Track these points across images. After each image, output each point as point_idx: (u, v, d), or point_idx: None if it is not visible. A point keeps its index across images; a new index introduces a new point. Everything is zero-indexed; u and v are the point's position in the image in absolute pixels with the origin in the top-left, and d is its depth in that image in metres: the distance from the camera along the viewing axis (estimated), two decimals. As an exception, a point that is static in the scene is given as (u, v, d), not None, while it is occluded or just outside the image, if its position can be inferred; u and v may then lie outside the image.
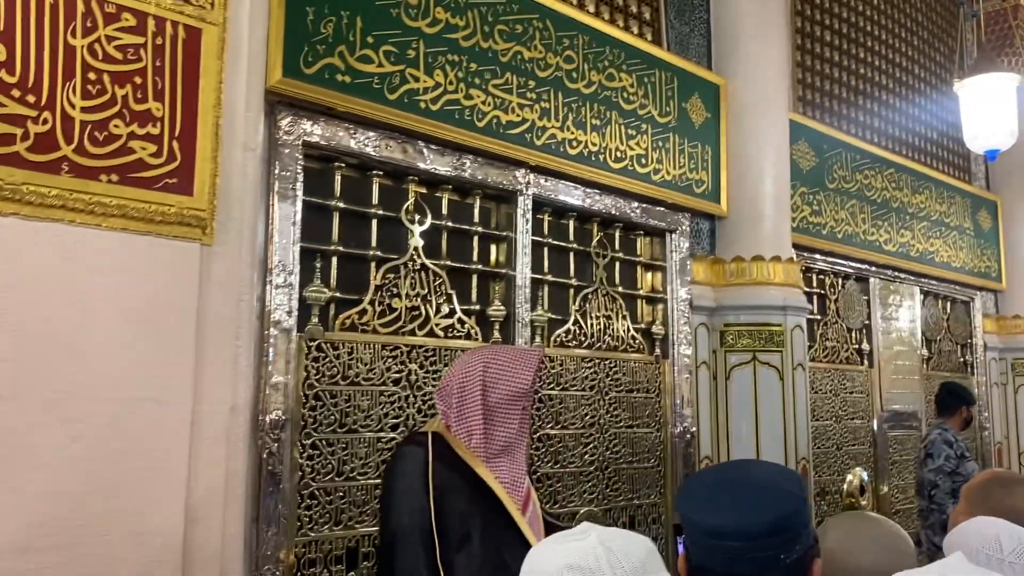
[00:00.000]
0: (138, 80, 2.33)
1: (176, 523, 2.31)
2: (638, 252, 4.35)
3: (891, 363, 6.00)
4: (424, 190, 3.46)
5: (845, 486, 5.47)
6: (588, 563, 1.16)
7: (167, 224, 2.35)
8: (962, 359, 6.94)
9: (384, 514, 2.29)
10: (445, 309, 3.40)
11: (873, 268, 5.86)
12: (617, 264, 4.21)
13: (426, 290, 3.35)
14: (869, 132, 6.03)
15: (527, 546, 2.07)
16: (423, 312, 3.33)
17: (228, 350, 2.48)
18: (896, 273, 6.10)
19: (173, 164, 2.38)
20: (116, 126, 2.28)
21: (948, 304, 6.84)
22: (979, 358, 7.02)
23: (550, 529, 2.44)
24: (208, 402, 2.41)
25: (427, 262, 3.37)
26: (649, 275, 4.43)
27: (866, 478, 5.59)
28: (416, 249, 3.34)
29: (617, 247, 4.22)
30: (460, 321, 3.45)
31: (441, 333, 3.37)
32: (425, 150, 3.32)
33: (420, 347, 3.29)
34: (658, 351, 4.32)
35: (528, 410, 2.46)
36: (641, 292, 4.34)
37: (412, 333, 3.28)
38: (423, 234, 3.38)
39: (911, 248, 6.17)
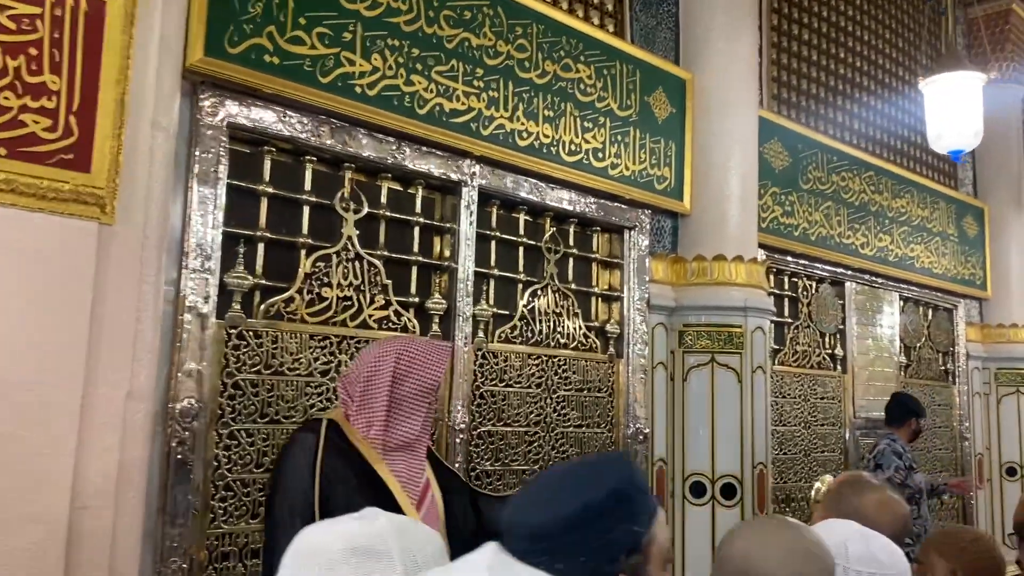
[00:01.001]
0: (33, 52, 2.25)
1: (61, 510, 2.23)
2: (594, 249, 4.26)
3: (866, 369, 5.88)
4: (363, 178, 3.38)
5: (812, 493, 5.38)
6: (375, 546, 1.05)
7: (61, 201, 2.28)
8: (943, 367, 6.81)
9: (268, 501, 2.21)
10: (380, 300, 3.32)
11: (849, 272, 5.75)
12: (571, 260, 4.11)
13: (360, 280, 3.27)
14: (848, 133, 5.92)
15: None
16: (356, 303, 3.25)
17: (126, 334, 2.40)
18: (874, 278, 5.98)
19: (70, 139, 2.30)
20: (6, 98, 2.20)
21: (930, 311, 6.71)
22: (961, 367, 6.89)
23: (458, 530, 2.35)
24: (103, 386, 2.34)
25: (362, 251, 3.28)
26: (607, 273, 4.33)
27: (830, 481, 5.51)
28: (350, 238, 3.26)
29: (571, 243, 4.12)
30: (396, 313, 3.36)
31: (375, 325, 3.29)
32: (361, 136, 3.23)
33: (351, 338, 3.20)
34: (612, 350, 4.22)
35: (434, 406, 2.37)
36: (596, 290, 4.24)
37: (344, 324, 3.20)
38: (359, 223, 3.30)
39: (890, 253, 6.05)
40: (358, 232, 3.28)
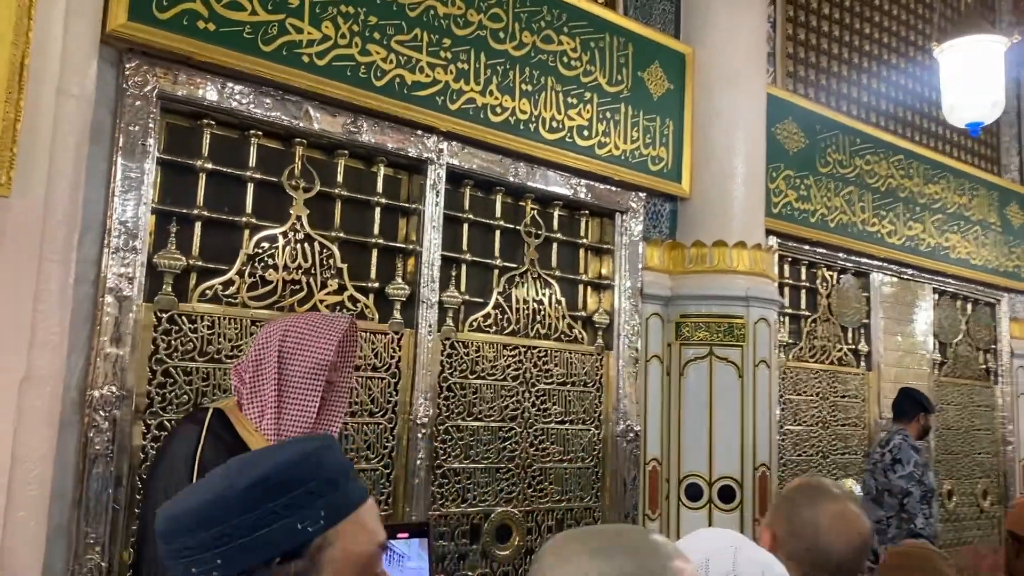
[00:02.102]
0: (-85, 9, 2.10)
1: (-58, 502, 2.07)
2: (581, 233, 3.99)
3: (894, 367, 5.49)
4: (319, 155, 3.18)
5: (831, 498, 5.02)
6: None
7: (-54, 171, 2.11)
8: (984, 366, 6.35)
9: (142, 497, 2.02)
10: (334, 285, 3.11)
11: (875, 262, 5.37)
12: (555, 245, 3.86)
13: (310, 263, 3.07)
14: (873, 114, 5.53)
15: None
16: (305, 287, 3.05)
17: (22, 314, 2.23)
18: (903, 269, 5.58)
19: (-44, 104, 2.13)
20: None
21: (968, 305, 6.26)
22: (1004, 365, 6.42)
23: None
24: (-5, 371, 2.17)
25: (312, 233, 3.08)
26: (597, 259, 4.06)
27: (858, 490, 5.15)
28: (300, 218, 3.06)
29: (556, 227, 3.87)
30: (352, 299, 3.16)
31: (326, 311, 3.08)
32: (311, 109, 3.03)
33: (300, 325, 3.00)
34: (600, 341, 3.95)
35: (343, 388, 2.14)
36: (584, 277, 3.98)
37: (291, 309, 3.00)
38: (312, 202, 3.10)
39: (921, 242, 5.65)
40: (309, 212, 3.08)
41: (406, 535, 1.46)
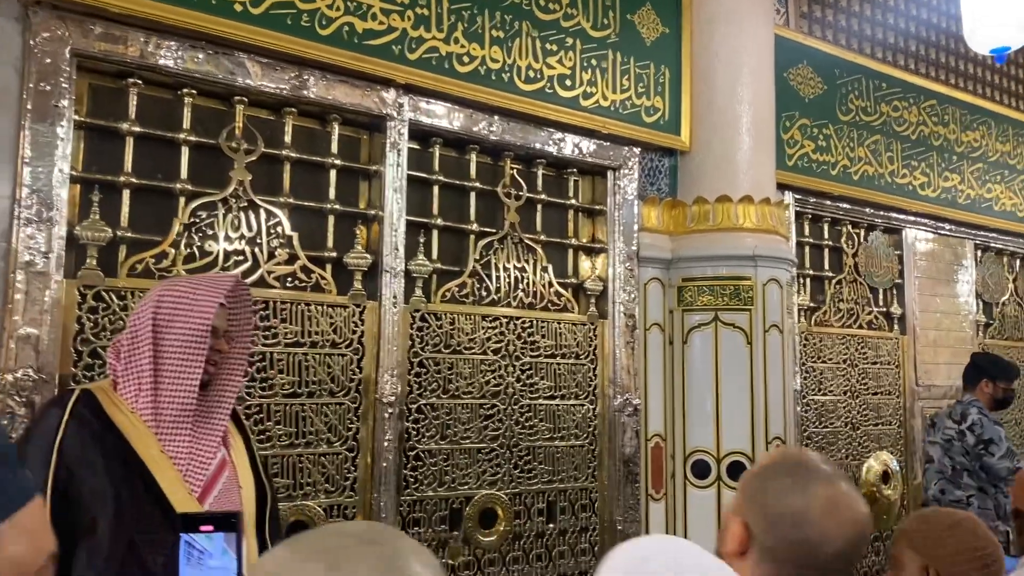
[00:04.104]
0: None
1: None
2: (570, 194, 3.69)
3: (932, 330, 5.07)
4: (264, 114, 2.93)
5: (864, 473, 4.67)
6: None
7: None
8: (1035, 327, 5.88)
9: None
10: (283, 254, 2.87)
11: (907, 217, 4.95)
12: (539, 207, 3.56)
13: (255, 232, 2.83)
14: (900, 55, 5.08)
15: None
16: (250, 257, 2.81)
17: (-97, 292, 2.03)
18: (940, 224, 5.14)
19: None
20: None
21: (1016, 261, 5.78)
22: (1058, 326, 5.93)
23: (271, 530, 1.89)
24: None
25: (257, 199, 2.84)
26: (589, 221, 3.76)
27: (894, 465, 4.78)
28: (242, 183, 2.82)
29: (540, 188, 3.57)
30: (305, 269, 2.91)
31: (276, 283, 2.85)
32: (249, 64, 2.78)
33: (246, 298, 2.77)
34: (593, 310, 3.65)
35: (238, 359, 1.89)
36: (574, 242, 3.67)
37: (235, 282, 2.76)
38: (256, 166, 2.86)
39: (959, 194, 5.20)
40: (252, 176, 2.84)
41: (210, 528, 1.22)
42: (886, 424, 4.78)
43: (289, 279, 2.88)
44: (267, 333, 2.80)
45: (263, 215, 2.85)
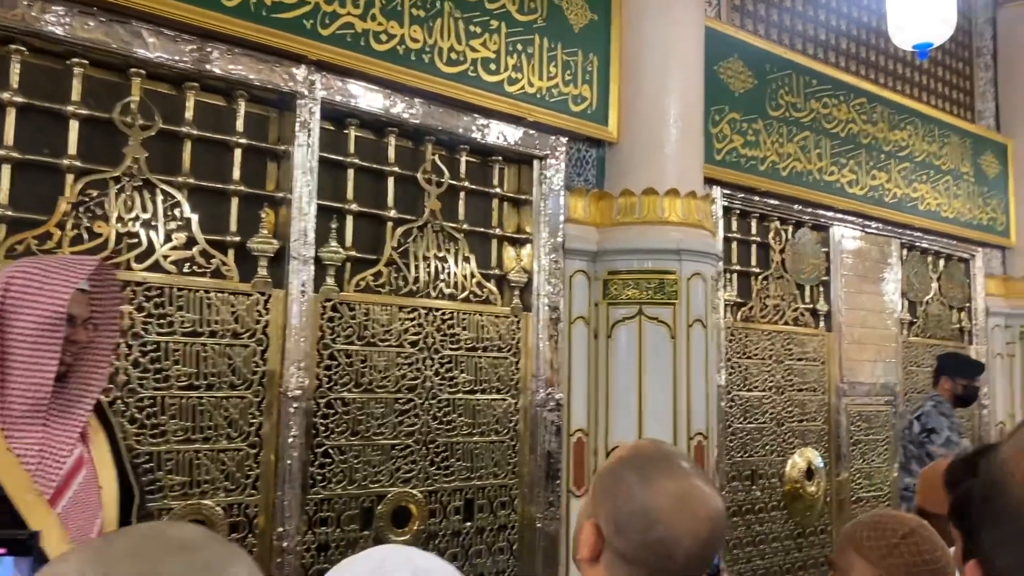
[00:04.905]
0: None
1: None
2: (495, 182, 3.58)
3: (857, 327, 5.10)
4: (165, 88, 2.76)
5: (788, 469, 4.67)
6: None
7: None
8: (957, 325, 5.97)
9: None
10: (181, 238, 2.70)
11: (834, 215, 4.96)
12: (462, 195, 3.45)
13: (150, 213, 2.65)
14: (832, 53, 5.10)
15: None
16: (144, 240, 2.63)
17: None
18: (866, 222, 5.18)
19: None
20: None
21: (940, 261, 5.86)
22: (979, 324, 6.04)
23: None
24: None
25: (153, 178, 2.66)
26: (514, 211, 3.65)
27: (818, 462, 4.79)
28: (137, 161, 2.64)
29: (463, 175, 3.45)
30: (205, 254, 2.74)
31: (172, 268, 2.68)
32: (146, 34, 2.60)
33: (139, 283, 2.59)
34: (517, 302, 3.55)
35: (102, 349, 1.73)
36: (498, 231, 3.57)
37: (128, 267, 2.59)
38: (153, 143, 2.68)
39: (886, 193, 5.24)
40: (148, 154, 2.66)
41: (3, 551, 1.08)
42: (811, 420, 4.79)
43: (187, 264, 2.71)
44: (162, 322, 2.63)
45: (160, 196, 2.67)
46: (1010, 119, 6.32)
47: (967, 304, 6.03)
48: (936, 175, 5.64)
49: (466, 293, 3.40)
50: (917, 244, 5.61)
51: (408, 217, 3.26)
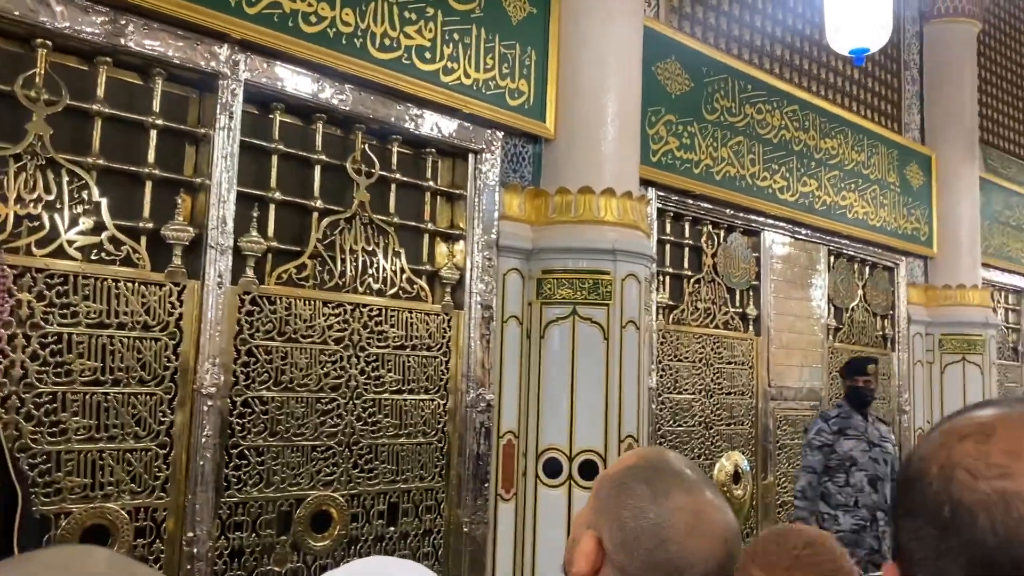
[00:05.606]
0: None
1: None
2: (428, 175, 3.47)
3: (785, 332, 5.15)
4: (74, 62, 2.58)
5: (715, 472, 4.67)
6: None
7: None
8: (881, 332, 6.09)
9: None
10: (88, 222, 2.52)
11: (765, 220, 4.99)
12: (393, 187, 3.33)
13: (54, 195, 2.47)
14: (767, 59, 5.14)
15: None
16: (47, 224, 2.45)
17: None
18: (796, 228, 5.23)
19: None
20: None
21: (866, 268, 5.97)
22: (902, 332, 6.17)
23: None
24: None
25: (58, 157, 2.48)
26: (448, 206, 3.55)
27: (744, 464, 4.81)
28: (41, 139, 2.45)
29: (395, 166, 3.34)
30: (115, 240, 2.57)
31: (77, 254, 2.50)
32: (53, 2, 2.42)
33: (41, 269, 2.41)
34: (448, 299, 3.45)
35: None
36: (430, 226, 3.46)
37: (28, 252, 2.40)
38: (58, 120, 2.49)
39: (816, 200, 5.31)
40: (53, 131, 2.48)
41: None
42: (739, 424, 4.81)
43: (94, 251, 2.53)
44: (65, 312, 2.45)
45: (66, 177, 2.49)
46: (934, 131, 6.48)
47: (891, 312, 6.16)
48: (864, 184, 5.74)
49: (395, 289, 3.28)
50: (844, 251, 5.70)
51: (335, 208, 3.13)
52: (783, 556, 1.55)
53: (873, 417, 4.42)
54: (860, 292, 5.91)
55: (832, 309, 5.61)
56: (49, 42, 2.47)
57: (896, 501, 0.65)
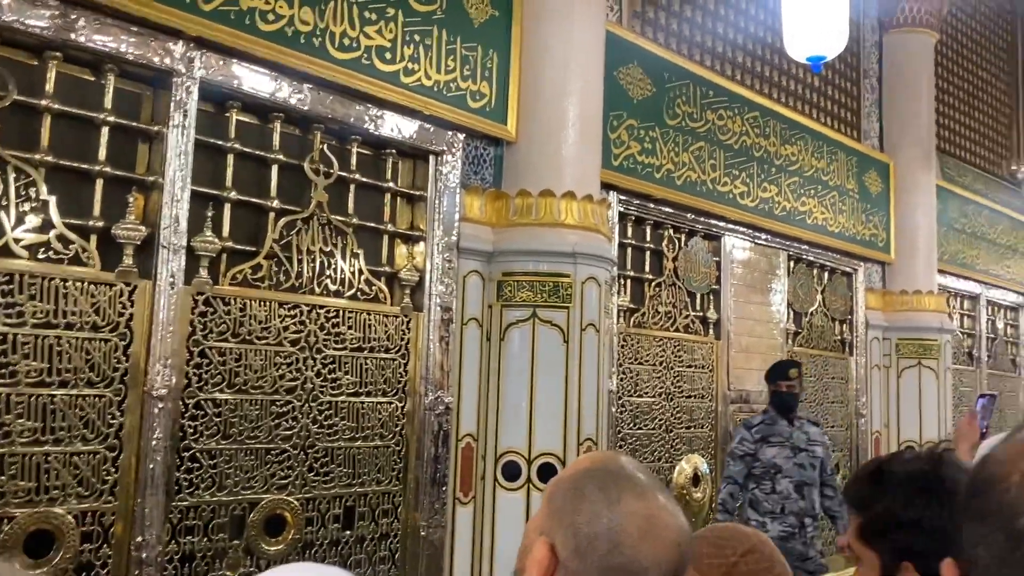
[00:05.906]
0: None
1: None
2: (388, 176, 3.45)
3: (744, 336, 5.20)
4: (23, 57, 2.53)
5: (675, 476, 4.70)
6: None
7: None
8: (839, 337, 6.17)
9: None
10: (35, 221, 2.47)
11: (726, 224, 5.04)
12: (352, 188, 3.30)
13: (0, 192, 2.41)
14: (728, 66, 5.19)
15: None
16: (-8, 222, 2.40)
17: None
18: (756, 233, 5.28)
19: None
20: None
21: (825, 274, 6.05)
22: (859, 337, 6.25)
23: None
24: None
25: (5, 154, 2.42)
26: (408, 207, 3.53)
27: (704, 467, 4.85)
28: (-14, 134, 2.39)
29: (354, 166, 3.31)
30: (63, 239, 2.52)
31: (24, 253, 2.44)
32: (1, -4, 2.37)
33: (-15, 270, 2.35)
34: (407, 301, 3.43)
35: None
36: (390, 228, 3.44)
37: (-29, 249, 2.35)
38: (5, 116, 2.44)
39: (776, 205, 5.36)
40: (0, 127, 2.42)
41: None
42: (698, 427, 4.84)
43: (41, 250, 2.48)
44: (10, 311, 2.39)
45: (12, 173, 2.43)
46: (893, 139, 6.59)
47: (849, 317, 6.24)
48: (823, 190, 5.82)
49: (353, 291, 3.26)
50: (804, 257, 5.77)
51: (292, 208, 3.10)
52: (720, 561, 1.55)
53: (801, 421, 4.27)
54: (819, 297, 5.98)
55: (791, 313, 5.67)
56: (-5, 36, 2.41)
57: (964, 503, 0.63)
